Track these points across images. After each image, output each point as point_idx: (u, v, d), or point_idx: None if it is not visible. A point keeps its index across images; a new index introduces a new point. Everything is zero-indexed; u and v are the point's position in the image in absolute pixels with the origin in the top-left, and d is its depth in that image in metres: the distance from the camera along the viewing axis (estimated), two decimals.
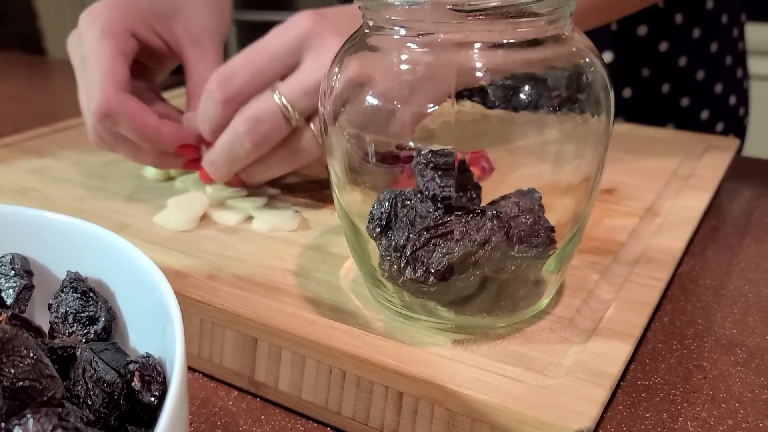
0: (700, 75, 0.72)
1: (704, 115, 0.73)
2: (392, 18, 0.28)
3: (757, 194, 0.55)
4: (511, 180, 0.31)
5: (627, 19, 0.67)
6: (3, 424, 0.22)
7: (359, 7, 0.29)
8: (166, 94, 0.65)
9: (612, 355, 0.30)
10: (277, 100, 0.39)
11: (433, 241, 0.29)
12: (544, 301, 0.33)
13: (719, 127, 0.75)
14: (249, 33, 1.98)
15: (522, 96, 0.28)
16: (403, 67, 0.28)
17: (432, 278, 0.29)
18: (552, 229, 0.30)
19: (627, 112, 0.70)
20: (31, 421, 0.22)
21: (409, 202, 0.30)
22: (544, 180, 0.31)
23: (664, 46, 0.69)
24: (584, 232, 0.40)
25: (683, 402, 0.32)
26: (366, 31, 0.30)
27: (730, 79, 0.75)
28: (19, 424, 0.22)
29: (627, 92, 0.70)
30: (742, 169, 0.59)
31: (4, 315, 0.26)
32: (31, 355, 0.24)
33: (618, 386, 0.33)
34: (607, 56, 0.68)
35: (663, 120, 0.72)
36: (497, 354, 0.30)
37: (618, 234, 0.41)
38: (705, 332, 0.37)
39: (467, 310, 0.31)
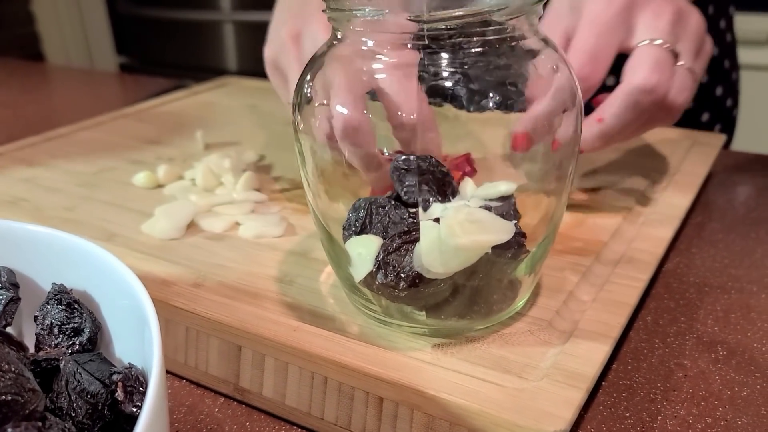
0: None
1: (690, 105, 0.73)
2: (358, 29, 0.28)
3: (743, 190, 0.55)
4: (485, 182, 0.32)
5: None
6: None
7: (327, 19, 0.30)
8: (162, 98, 0.66)
9: (589, 356, 0.30)
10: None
11: (405, 246, 0.29)
12: (519, 303, 0.33)
13: (705, 117, 0.75)
14: (247, 33, 1.98)
15: (491, 103, 0.28)
16: (375, 76, 0.29)
17: (402, 283, 0.29)
18: (523, 235, 0.30)
19: None
20: None
21: (383, 209, 0.30)
22: (516, 181, 0.31)
23: None
24: (565, 233, 0.41)
25: (663, 401, 0.32)
26: (334, 42, 0.30)
27: (717, 71, 0.75)
28: None
29: (610, 80, 0.70)
30: (729, 164, 0.59)
31: None
32: (13, 369, 0.24)
33: (599, 386, 0.33)
34: None
35: None
36: (476, 357, 0.30)
37: (601, 234, 0.41)
38: (687, 330, 0.37)
39: (441, 314, 0.31)
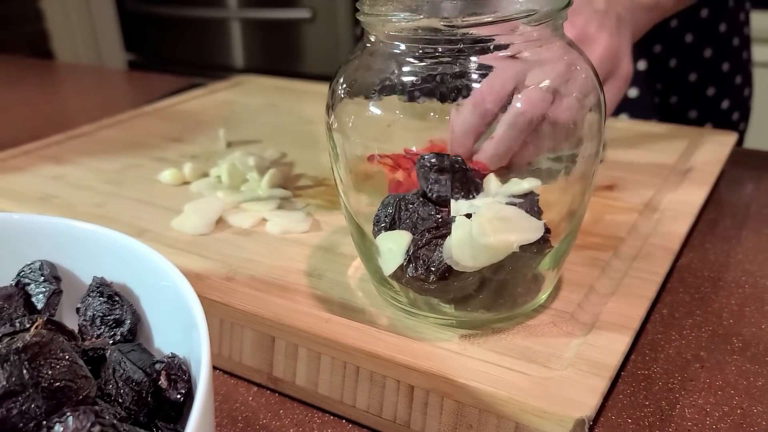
0: (708, 53, 0.73)
1: (710, 91, 0.75)
2: (392, 33, 0.29)
3: (756, 186, 0.56)
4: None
5: None
6: (44, 422, 0.24)
7: (360, 23, 0.31)
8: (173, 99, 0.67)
9: (611, 347, 0.31)
10: None
11: (435, 241, 0.31)
12: (542, 297, 0.34)
13: (725, 104, 0.77)
14: (253, 31, 2.00)
15: (518, 103, 0.29)
16: (405, 79, 0.30)
17: (432, 276, 0.30)
18: (548, 231, 0.31)
19: (640, 83, 0.72)
20: (70, 418, 0.24)
21: (411, 206, 0.32)
22: (541, 178, 0.33)
23: (673, 23, 0.71)
24: (583, 229, 0.42)
25: (681, 390, 0.34)
26: (368, 45, 0.32)
27: (737, 60, 0.77)
28: (60, 422, 0.24)
29: (642, 65, 0.72)
30: (741, 161, 0.60)
31: (39, 320, 0.28)
32: (67, 357, 0.26)
33: (619, 376, 0.34)
34: None
35: (669, 93, 0.74)
36: (503, 348, 0.32)
37: (618, 230, 0.42)
38: (703, 323, 0.39)
39: (468, 307, 0.32)
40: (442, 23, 0.28)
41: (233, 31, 2.04)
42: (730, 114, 0.78)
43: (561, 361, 0.31)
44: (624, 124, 0.62)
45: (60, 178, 0.53)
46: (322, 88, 0.76)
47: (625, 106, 0.72)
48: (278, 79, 0.80)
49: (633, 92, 0.72)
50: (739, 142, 0.82)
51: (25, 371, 0.24)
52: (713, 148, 0.55)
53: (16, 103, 0.88)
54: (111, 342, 0.31)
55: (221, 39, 2.07)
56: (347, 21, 1.79)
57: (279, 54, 1.97)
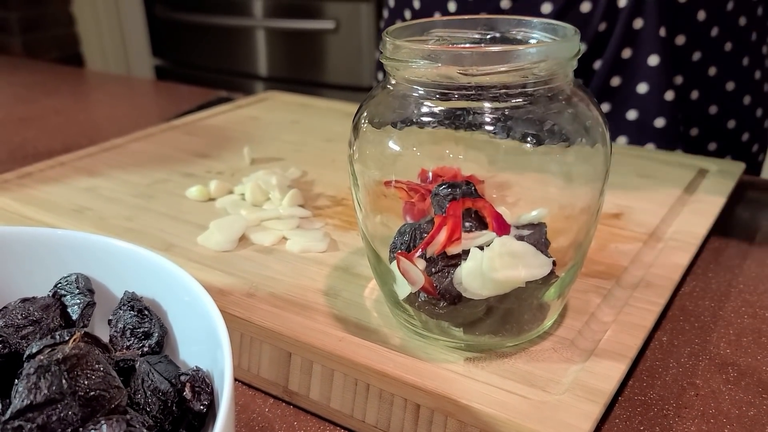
0: (730, 86, 0.75)
1: (731, 124, 0.77)
2: (411, 78, 0.32)
3: (761, 217, 0.57)
4: (518, 211, 0.35)
5: (670, 30, 0.70)
6: (81, 429, 0.26)
7: (383, 65, 0.33)
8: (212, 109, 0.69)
9: (607, 374, 0.33)
10: None
11: (447, 269, 0.33)
12: (547, 324, 0.36)
13: (745, 136, 0.78)
14: (277, 40, 2.03)
15: (528, 145, 0.31)
16: (423, 119, 0.32)
17: (443, 302, 0.32)
18: (553, 262, 0.33)
19: (666, 114, 0.73)
20: (104, 426, 0.26)
21: (426, 234, 0.34)
22: (549, 209, 0.35)
23: (696, 56, 0.72)
24: (588, 257, 0.44)
25: (675, 417, 0.35)
26: (389, 87, 0.34)
27: (758, 93, 0.78)
28: (95, 429, 0.26)
29: (669, 95, 0.73)
30: (748, 191, 0.62)
31: (77, 334, 0.31)
32: (101, 368, 0.28)
33: (616, 401, 0.36)
34: (654, 60, 0.72)
35: (690, 125, 0.75)
36: (505, 371, 0.34)
37: (622, 258, 0.44)
38: (701, 351, 0.40)
39: (476, 331, 0.34)
40: (459, 71, 0.30)
41: (258, 40, 2.08)
42: (750, 146, 0.79)
43: (559, 386, 0.33)
44: (633, 151, 0.64)
45: (92, 190, 0.56)
46: (344, 106, 0.79)
47: (652, 136, 0.73)
48: (302, 96, 0.83)
49: (660, 122, 0.73)
50: (757, 172, 0.83)
51: (64, 381, 0.26)
52: (720, 178, 0.56)
53: (52, 111, 0.92)
54: (139, 353, 0.33)
55: (246, 47, 2.11)
56: (370, 33, 1.82)
57: (302, 63, 2.01)
